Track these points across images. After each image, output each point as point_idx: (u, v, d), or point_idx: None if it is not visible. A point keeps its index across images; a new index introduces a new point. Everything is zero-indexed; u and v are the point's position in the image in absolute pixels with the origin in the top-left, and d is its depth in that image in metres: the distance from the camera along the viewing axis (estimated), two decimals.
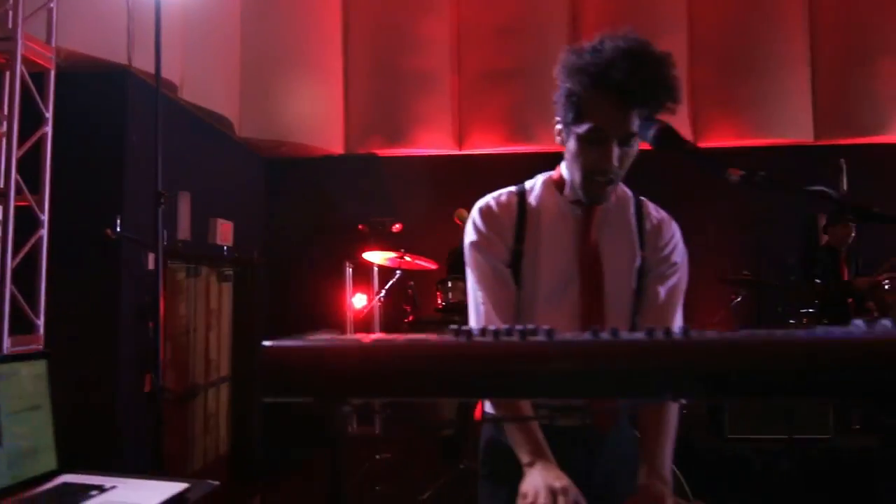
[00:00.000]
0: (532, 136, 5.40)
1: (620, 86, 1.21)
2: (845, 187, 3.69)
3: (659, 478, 1.23)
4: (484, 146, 5.47)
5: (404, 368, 0.58)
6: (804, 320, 4.03)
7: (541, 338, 0.61)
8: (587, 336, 0.62)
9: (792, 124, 5.33)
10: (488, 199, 1.45)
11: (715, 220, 5.06)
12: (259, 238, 5.36)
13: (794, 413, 3.21)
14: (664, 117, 1.23)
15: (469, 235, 1.43)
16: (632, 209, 1.46)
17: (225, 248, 4.61)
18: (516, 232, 1.40)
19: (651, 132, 1.14)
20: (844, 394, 0.62)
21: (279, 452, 4.96)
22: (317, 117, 5.36)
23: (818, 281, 3.88)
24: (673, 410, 1.33)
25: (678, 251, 1.46)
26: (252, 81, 4.88)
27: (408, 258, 3.74)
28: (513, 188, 1.47)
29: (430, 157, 5.53)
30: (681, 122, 5.44)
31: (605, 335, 0.62)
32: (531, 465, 1.20)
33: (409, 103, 5.44)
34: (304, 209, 5.51)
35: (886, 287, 3.73)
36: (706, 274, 4.64)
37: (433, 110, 5.47)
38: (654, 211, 1.48)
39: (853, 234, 4.24)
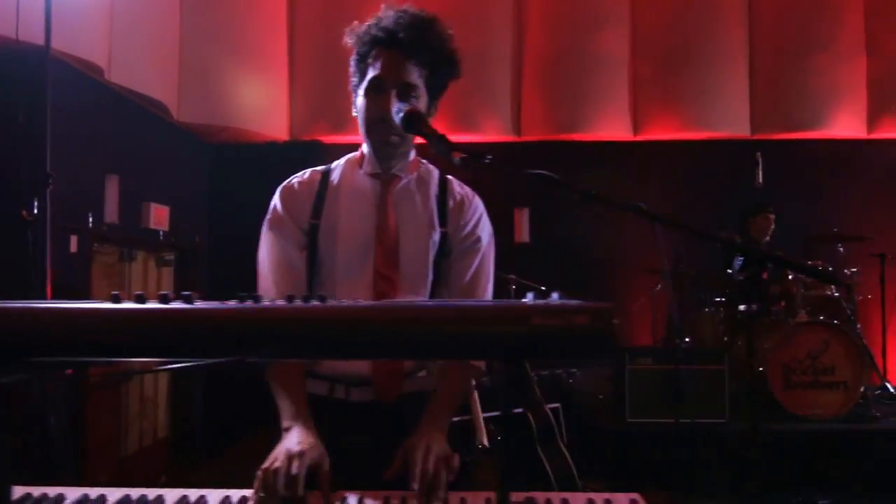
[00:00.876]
0: (476, 125, 5.45)
1: (390, 33, 1.38)
2: (760, 180, 3.79)
3: (436, 429, 1.28)
4: None
5: (60, 333, 0.63)
6: (721, 308, 4.18)
7: (193, 304, 0.66)
8: (231, 303, 0.68)
9: (729, 119, 5.43)
10: (293, 178, 1.50)
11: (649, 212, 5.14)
12: (201, 223, 5.36)
13: (689, 398, 3.34)
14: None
15: (268, 213, 1.47)
16: (434, 185, 1.50)
17: (161, 232, 4.61)
18: (314, 208, 1.44)
19: (401, 115, 1.29)
20: (458, 353, 0.68)
21: (222, 433, 5.00)
22: (260, 103, 5.35)
23: (729, 271, 4.00)
24: (461, 378, 1.40)
25: (481, 228, 1.49)
26: (191, 65, 4.86)
27: None
28: (319, 167, 1.52)
29: None
30: (621, 114, 5.53)
31: (248, 303, 0.68)
32: (288, 430, 1.24)
33: None
34: (248, 195, 5.45)
35: (790, 278, 3.86)
36: (634, 263, 4.75)
37: None
38: (459, 187, 1.52)
39: (772, 227, 4.36)
